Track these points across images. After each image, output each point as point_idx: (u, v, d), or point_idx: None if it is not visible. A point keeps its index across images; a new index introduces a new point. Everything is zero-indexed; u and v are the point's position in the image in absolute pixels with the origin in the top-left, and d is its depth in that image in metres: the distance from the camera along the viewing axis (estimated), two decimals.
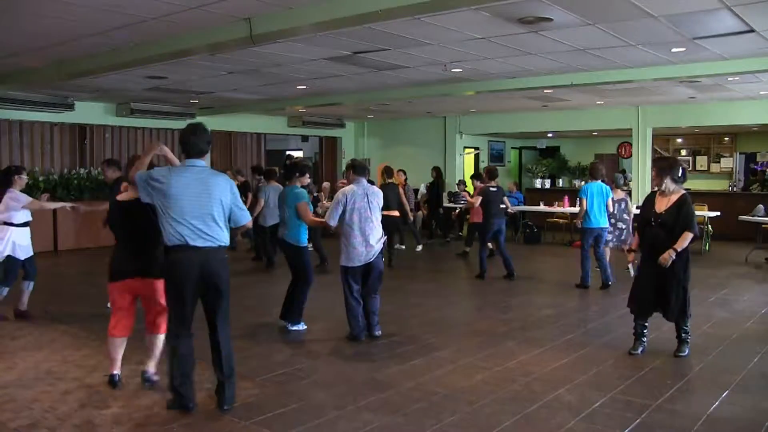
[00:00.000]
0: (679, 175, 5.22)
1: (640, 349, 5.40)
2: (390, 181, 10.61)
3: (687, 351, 5.33)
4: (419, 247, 12.37)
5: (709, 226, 11.79)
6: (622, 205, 9.34)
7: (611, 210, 8.68)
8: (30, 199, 6.53)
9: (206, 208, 4.01)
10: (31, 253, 6.60)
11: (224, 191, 4.12)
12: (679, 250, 5.05)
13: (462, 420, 3.99)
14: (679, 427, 3.89)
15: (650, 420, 3.98)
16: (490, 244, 9.97)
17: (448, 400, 4.34)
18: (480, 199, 9.51)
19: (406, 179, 13.08)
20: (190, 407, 4.06)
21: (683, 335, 5.35)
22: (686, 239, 5.06)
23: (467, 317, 7.20)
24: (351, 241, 5.73)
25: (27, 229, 6.54)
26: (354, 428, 3.85)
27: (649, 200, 5.38)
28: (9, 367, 5.00)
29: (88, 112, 13.10)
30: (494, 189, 9.37)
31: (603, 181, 8.71)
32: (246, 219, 4.28)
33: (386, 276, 6.42)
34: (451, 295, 8.49)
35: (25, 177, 6.63)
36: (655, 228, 5.20)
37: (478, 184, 10.99)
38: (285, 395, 4.40)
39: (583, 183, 11.23)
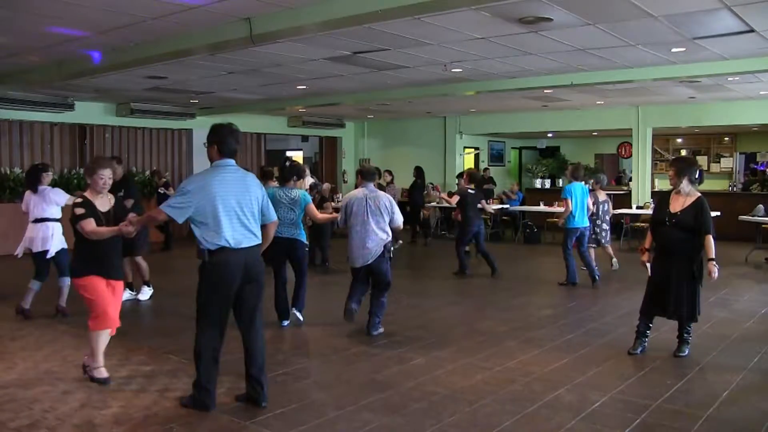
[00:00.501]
0: (696, 176, 5.24)
1: (640, 348, 5.40)
2: (379, 182, 10.77)
3: (687, 351, 5.33)
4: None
5: None
6: (606, 206, 9.62)
7: (592, 210, 8.82)
8: (68, 195, 6.75)
9: (247, 205, 4.04)
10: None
11: (258, 188, 4.18)
12: (713, 257, 5.06)
13: (462, 420, 3.99)
14: (679, 427, 3.89)
15: (650, 420, 3.98)
16: (467, 248, 10.21)
17: (448, 400, 4.34)
18: (457, 198, 9.64)
19: (392, 179, 13.14)
20: (209, 406, 4.05)
21: (685, 335, 5.35)
22: (712, 244, 5.08)
23: (467, 317, 7.19)
24: (350, 243, 6.02)
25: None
26: (354, 428, 3.85)
27: (664, 200, 5.38)
28: (9, 367, 5.00)
29: (88, 112, 13.10)
30: (472, 191, 9.53)
31: (598, 183, 8.83)
32: (274, 216, 4.32)
33: None
34: (451, 295, 8.49)
35: (50, 174, 6.84)
36: (668, 228, 5.20)
37: (462, 183, 11.10)
38: (285, 395, 4.39)
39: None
